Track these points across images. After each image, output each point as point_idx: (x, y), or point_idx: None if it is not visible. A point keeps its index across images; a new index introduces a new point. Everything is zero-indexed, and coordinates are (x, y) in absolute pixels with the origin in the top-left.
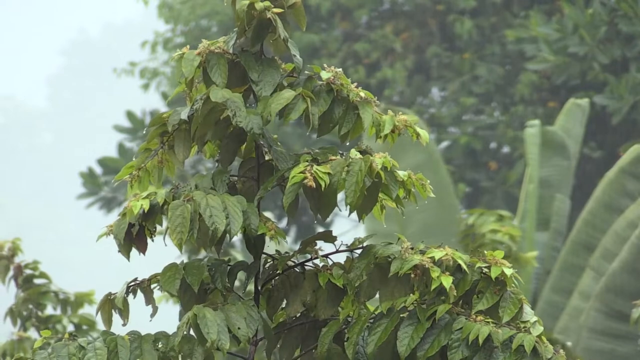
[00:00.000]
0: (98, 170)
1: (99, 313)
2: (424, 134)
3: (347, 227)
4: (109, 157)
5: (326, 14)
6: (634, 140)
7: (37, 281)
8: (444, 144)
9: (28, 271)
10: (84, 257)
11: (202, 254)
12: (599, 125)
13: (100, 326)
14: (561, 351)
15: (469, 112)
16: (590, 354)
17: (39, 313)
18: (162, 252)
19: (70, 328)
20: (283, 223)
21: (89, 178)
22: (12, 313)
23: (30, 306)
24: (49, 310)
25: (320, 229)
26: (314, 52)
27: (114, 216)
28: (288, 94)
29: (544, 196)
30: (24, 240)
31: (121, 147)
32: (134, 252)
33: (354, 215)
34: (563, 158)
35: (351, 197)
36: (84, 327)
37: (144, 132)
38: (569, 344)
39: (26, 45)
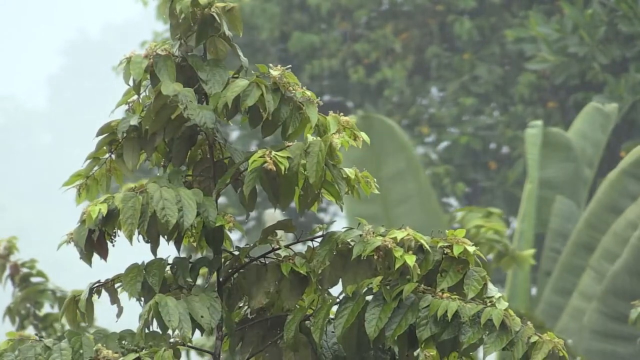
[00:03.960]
0: None
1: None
2: (364, 135)
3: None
4: None
5: (326, 15)
6: (634, 140)
7: (34, 280)
8: (444, 144)
9: (25, 270)
10: None
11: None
12: None
13: (98, 323)
14: (529, 323)
15: (469, 112)
16: (591, 355)
17: (37, 312)
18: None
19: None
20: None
21: None
22: (11, 312)
23: (28, 305)
24: (47, 309)
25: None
26: (314, 52)
27: None
28: (242, 82)
29: (544, 197)
30: (25, 240)
31: None
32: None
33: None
34: (566, 159)
35: (314, 177)
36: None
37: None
38: (569, 341)
39: (26, 45)
